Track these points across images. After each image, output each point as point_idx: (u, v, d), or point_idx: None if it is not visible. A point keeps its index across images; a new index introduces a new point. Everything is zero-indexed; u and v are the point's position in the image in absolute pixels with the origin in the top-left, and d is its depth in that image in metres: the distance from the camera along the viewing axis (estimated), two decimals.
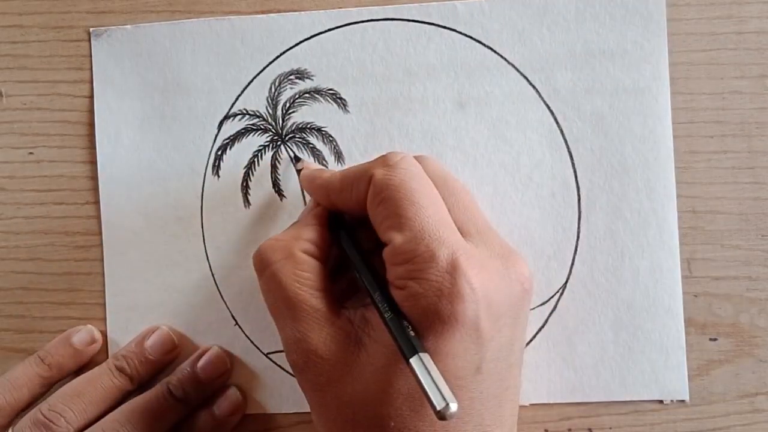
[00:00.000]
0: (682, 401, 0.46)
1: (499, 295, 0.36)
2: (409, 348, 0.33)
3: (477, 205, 0.41)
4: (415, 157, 0.40)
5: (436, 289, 0.34)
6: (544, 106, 0.47)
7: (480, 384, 0.36)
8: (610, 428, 0.46)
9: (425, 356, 0.33)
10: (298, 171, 0.47)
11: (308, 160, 0.48)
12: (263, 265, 0.40)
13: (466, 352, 0.35)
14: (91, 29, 0.50)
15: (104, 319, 0.49)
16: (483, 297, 0.35)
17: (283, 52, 0.49)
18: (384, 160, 0.39)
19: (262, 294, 0.40)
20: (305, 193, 0.48)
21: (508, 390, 0.38)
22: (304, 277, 0.39)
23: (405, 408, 0.35)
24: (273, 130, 0.49)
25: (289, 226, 0.43)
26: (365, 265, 0.39)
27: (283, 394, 0.48)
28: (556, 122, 0.47)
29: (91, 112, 0.50)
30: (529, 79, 0.47)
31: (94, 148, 0.50)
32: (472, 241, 0.38)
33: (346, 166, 0.48)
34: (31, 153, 0.50)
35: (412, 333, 0.34)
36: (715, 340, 0.46)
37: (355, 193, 0.39)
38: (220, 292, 0.49)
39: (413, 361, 0.33)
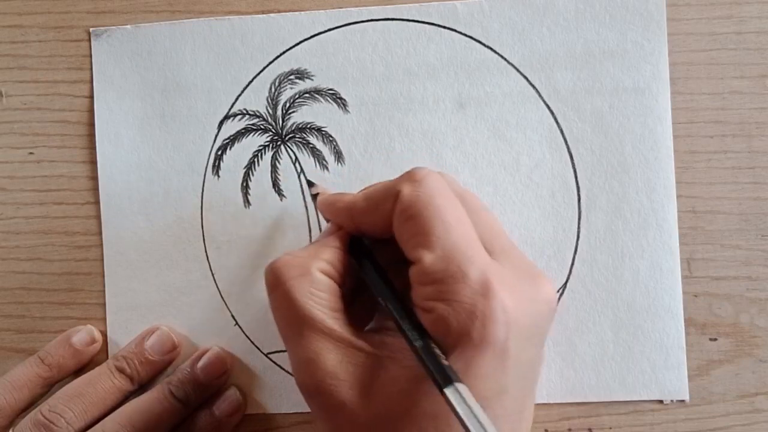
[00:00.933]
0: (682, 401, 0.46)
1: (527, 317, 0.35)
2: (443, 378, 0.32)
3: (499, 223, 0.40)
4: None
5: (469, 311, 0.33)
6: (544, 106, 0.47)
7: (504, 402, 0.35)
8: (610, 428, 0.46)
9: (462, 387, 0.32)
10: (314, 196, 0.45)
11: (322, 185, 0.47)
12: (277, 281, 0.38)
13: (494, 373, 0.34)
14: (91, 29, 0.50)
15: (104, 319, 0.49)
16: (514, 319, 0.34)
17: (283, 52, 0.49)
18: (410, 176, 0.37)
19: (273, 312, 0.38)
20: (308, 200, 0.48)
21: (527, 405, 0.37)
22: (320, 296, 0.37)
23: (430, 428, 0.34)
24: (273, 130, 0.49)
25: (307, 245, 0.41)
26: (391, 292, 0.37)
27: (283, 394, 0.48)
28: (556, 122, 0.47)
29: (91, 112, 0.50)
30: (529, 79, 0.47)
31: (94, 148, 0.50)
32: (498, 260, 0.37)
33: (346, 166, 0.48)
34: (31, 153, 0.50)
35: (445, 362, 0.33)
36: (715, 340, 0.46)
37: (381, 211, 0.38)
38: (220, 292, 0.49)
39: (449, 392, 0.31)
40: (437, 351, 0.33)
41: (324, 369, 0.36)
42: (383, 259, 0.39)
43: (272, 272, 0.38)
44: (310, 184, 0.47)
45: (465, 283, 0.34)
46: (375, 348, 0.36)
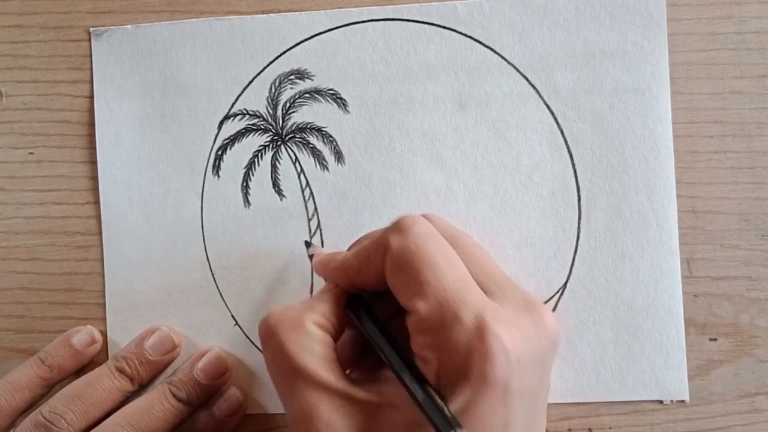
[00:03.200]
0: (682, 401, 0.46)
1: (528, 352, 0.35)
2: (445, 426, 0.32)
3: (491, 259, 0.40)
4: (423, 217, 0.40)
5: (465, 355, 0.33)
6: (545, 107, 0.47)
7: None
8: (610, 428, 0.46)
9: None
10: (310, 257, 0.45)
11: (318, 246, 0.47)
12: (269, 333, 0.37)
13: (496, 412, 0.33)
14: (91, 29, 0.50)
15: (104, 319, 0.49)
16: (515, 357, 0.33)
17: (284, 52, 0.49)
18: (396, 226, 0.37)
19: (267, 365, 0.38)
20: (308, 200, 0.48)
21: (538, 429, 0.37)
22: (314, 348, 0.36)
23: None
24: (273, 130, 0.49)
25: (302, 300, 0.41)
26: (388, 342, 0.37)
27: None
28: (557, 122, 0.47)
29: (91, 112, 0.50)
30: (530, 79, 0.47)
31: (94, 148, 0.50)
32: (495, 298, 0.36)
33: (346, 166, 0.48)
34: (31, 153, 0.50)
35: (446, 411, 0.33)
36: (715, 340, 0.46)
37: (373, 266, 0.38)
38: (220, 292, 0.49)
39: None
40: (438, 399, 0.33)
41: (320, 420, 0.35)
42: (384, 310, 0.39)
43: (265, 325, 0.38)
44: (307, 245, 0.47)
45: (460, 328, 0.34)
46: (373, 396, 0.36)
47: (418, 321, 0.35)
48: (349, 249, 0.42)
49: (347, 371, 0.38)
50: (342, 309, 0.39)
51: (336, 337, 0.39)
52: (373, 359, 0.41)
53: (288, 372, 0.36)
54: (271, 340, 0.37)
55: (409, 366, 0.35)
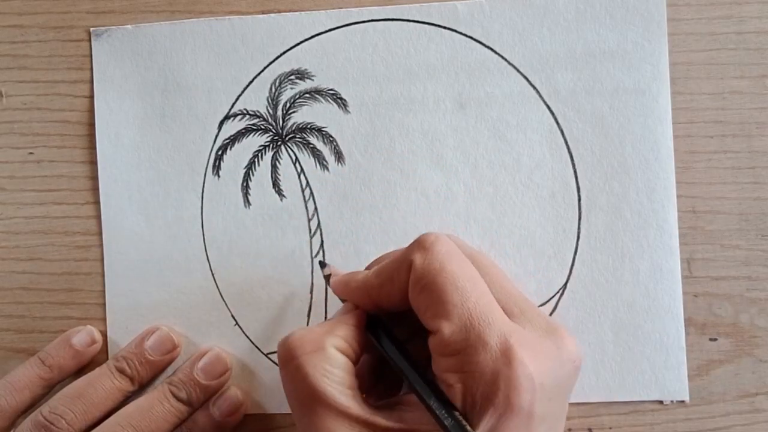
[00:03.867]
0: (682, 402, 0.46)
1: (552, 378, 0.34)
2: None
3: (511, 281, 0.39)
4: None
5: (492, 380, 0.33)
6: (545, 107, 0.47)
7: None
8: (610, 428, 0.46)
9: None
10: (326, 277, 0.45)
11: (333, 266, 0.46)
12: (289, 356, 0.36)
13: None
14: (91, 29, 0.50)
15: (104, 319, 0.49)
16: (539, 384, 0.33)
17: (284, 52, 0.49)
18: (419, 244, 0.37)
19: (284, 387, 0.37)
20: (308, 200, 0.48)
21: None
22: (334, 373, 0.36)
23: None
24: (273, 130, 0.49)
25: (322, 321, 0.41)
26: (412, 366, 0.37)
27: (283, 394, 0.48)
28: (557, 123, 0.47)
29: (91, 112, 0.50)
30: (530, 79, 0.47)
31: (94, 148, 0.50)
32: (518, 321, 0.36)
33: (346, 167, 0.48)
34: (31, 153, 0.50)
35: None
36: (715, 340, 0.46)
37: (396, 285, 0.37)
38: (220, 292, 0.49)
39: None
40: (466, 425, 0.33)
41: None
42: (403, 331, 0.39)
43: (285, 347, 0.37)
44: (322, 265, 0.46)
45: (486, 351, 0.33)
46: (395, 423, 0.35)
47: (442, 343, 0.34)
48: (368, 268, 0.42)
49: (363, 395, 0.37)
50: (362, 332, 0.39)
51: (356, 362, 0.38)
52: (388, 383, 0.41)
53: (307, 397, 0.36)
54: (290, 363, 0.36)
55: (435, 390, 0.35)
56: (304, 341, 0.37)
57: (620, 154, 0.46)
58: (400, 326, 0.39)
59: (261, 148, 0.49)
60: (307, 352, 0.36)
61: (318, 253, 0.48)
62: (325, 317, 0.48)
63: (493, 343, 0.33)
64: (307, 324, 0.48)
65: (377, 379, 0.42)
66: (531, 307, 0.38)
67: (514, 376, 0.33)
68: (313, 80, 0.48)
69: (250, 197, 0.49)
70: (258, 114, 0.49)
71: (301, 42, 0.48)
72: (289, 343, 0.37)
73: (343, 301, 0.42)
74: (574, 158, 0.47)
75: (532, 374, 0.33)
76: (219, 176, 0.49)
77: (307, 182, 0.48)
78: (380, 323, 0.39)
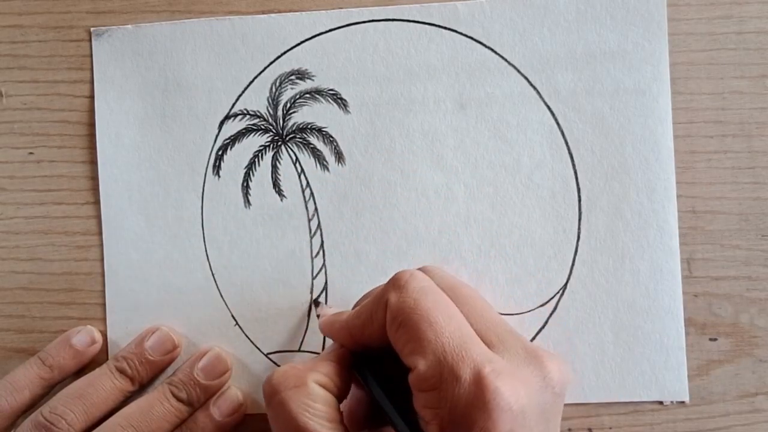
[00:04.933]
0: (682, 402, 0.46)
1: (534, 404, 0.34)
2: None
3: (492, 309, 0.39)
4: (422, 270, 0.39)
5: (466, 413, 0.33)
6: (545, 107, 0.47)
7: None
8: (610, 428, 0.46)
9: None
10: (318, 316, 0.45)
11: (326, 306, 0.47)
12: (273, 391, 0.37)
13: None
14: (91, 29, 0.50)
15: (104, 319, 0.49)
16: (518, 410, 0.33)
17: (284, 53, 0.49)
18: (394, 283, 0.37)
19: (270, 422, 0.38)
20: (308, 200, 0.48)
21: None
22: (316, 407, 0.36)
23: None
24: (273, 131, 0.49)
25: (307, 359, 0.41)
26: (392, 402, 0.37)
27: None
28: (557, 123, 0.47)
29: (91, 112, 0.50)
30: (530, 79, 0.47)
31: (94, 148, 0.50)
32: (496, 350, 0.36)
33: (346, 167, 0.48)
34: (31, 153, 0.50)
35: None
36: (715, 340, 0.46)
37: (375, 324, 0.38)
38: (220, 292, 0.49)
39: None
40: None
41: None
42: (396, 367, 0.38)
43: (269, 383, 0.38)
44: (317, 303, 0.47)
45: (459, 385, 0.33)
46: None
47: (419, 379, 0.35)
48: (355, 306, 0.42)
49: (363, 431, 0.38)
50: (346, 368, 0.39)
51: (340, 397, 0.38)
52: (381, 418, 0.41)
53: (290, 431, 0.36)
54: (274, 398, 0.37)
55: (414, 428, 0.35)
56: (287, 377, 0.37)
57: (620, 154, 0.46)
58: (392, 362, 0.39)
59: (261, 148, 0.49)
60: (290, 388, 0.37)
61: (318, 253, 0.48)
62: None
63: (466, 376, 0.33)
64: (307, 324, 0.48)
65: (376, 413, 0.42)
66: (511, 334, 0.37)
67: (490, 406, 0.32)
68: (313, 80, 0.48)
69: (250, 197, 0.49)
70: (258, 114, 0.49)
71: (302, 42, 0.48)
72: (273, 380, 0.37)
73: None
74: (575, 158, 0.47)
75: (510, 402, 0.33)
76: (219, 176, 0.49)
77: (308, 182, 0.48)
78: (366, 361, 0.40)
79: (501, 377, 0.33)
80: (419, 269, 0.40)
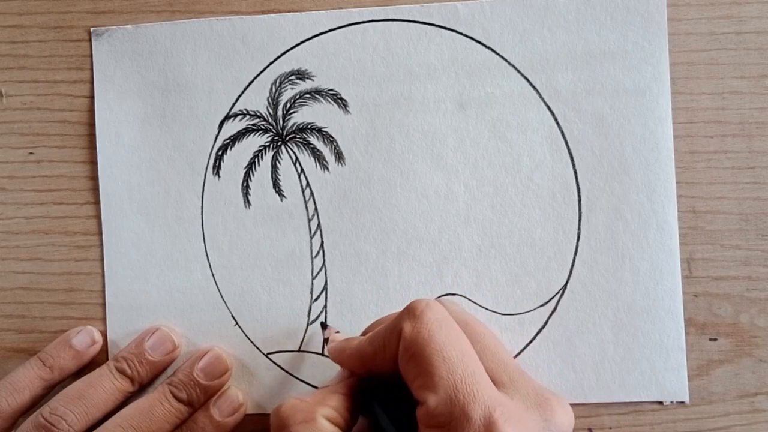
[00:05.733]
0: (682, 402, 0.46)
1: None
2: None
3: (504, 348, 0.39)
4: (438, 301, 0.39)
5: None
6: (545, 107, 0.47)
7: None
8: (610, 428, 0.46)
9: None
10: (325, 340, 0.45)
11: (334, 328, 0.47)
12: (281, 425, 0.37)
13: None
14: (91, 29, 0.50)
15: (104, 320, 0.49)
16: None
17: (284, 53, 0.49)
18: (409, 312, 0.37)
19: None
20: (308, 200, 0.48)
21: None
22: None
23: None
24: (273, 131, 0.49)
25: (317, 389, 0.40)
26: None
27: (283, 394, 0.48)
28: (557, 123, 0.47)
29: (91, 112, 0.50)
30: (530, 80, 0.47)
31: (94, 148, 0.50)
32: (506, 391, 0.36)
33: (346, 167, 0.48)
34: (31, 153, 0.50)
35: None
36: (715, 340, 0.46)
37: (388, 352, 0.37)
38: (220, 292, 0.49)
39: None
40: None
41: None
42: (402, 396, 0.38)
43: (278, 416, 0.37)
44: (323, 326, 0.47)
45: (469, 426, 0.33)
46: None
47: (428, 415, 0.34)
48: (364, 333, 0.42)
49: None
50: (354, 402, 0.39)
51: (348, 431, 0.38)
52: None
53: None
54: None
55: None
56: (296, 411, 0.37)
57: (620, 154, 0.46)
58: (399, 390, 0.38)
59: (261, 148, 0.49)
60: (298, 422, 0.36)
61: (318, 253, 0.48)
62: (325, 318, 0.48)
63: (477, 417, 0.33)
64: (307, 324, 0.48)
65: None
66: (522, 376, 0.37)
67: None
68: (313, 80, 0.48)
69: (250, 197, 0.49)
70: (258, 114, 0.49)
71: (302, 42, 0.48)
72: (281, 413, 0.37)
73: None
74: (575, 158, 0.47)
75: None
76: (219, 176, 0.49)
77: (308, 182, 0.48)
78: (374, 392, 0.39)
79: (510, 422, 0.33)
80: (435, 300, 0.39)
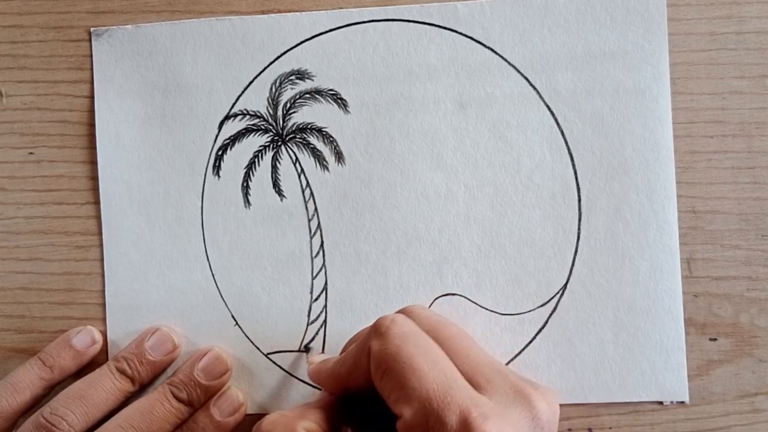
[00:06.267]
0: (682, 402, 0.46)
1: None
2: None
3: (478, 347, 0.39)
4: (403, 312, 0.39)
5: None
6: (545, 107, 0.47)
7: None
8: (610, 428, 0.46)
9: None
10: (309, 364, 0.45)
11: (317, 350, 0.47)
12: None
13: None
14: (91, 29, 0.50)
15: (104, 320, 0.49)
16: None
17: (284, 53, 0.49)
18: (376, 329, 0.37)
19: None
20: (308, 200, 0.48)
21: None
22: None
23: None
24: (273, 131, 0.49)
25: (299, 406, 0.40)
26: None
27: (283, 394, 0.48)
28: (557, 123, 0.47)
29: (91, 112, 0.50)
30: (530, 80, 0.47)
31: (94, 148, 0.50)
32: (484, 391, 0.35)
33: (346, 167, 0.48)
34: (31, 153, 0.50)
35: None
36: (715, 340, 0.46)
37: (361, 371, 0.37)
38: (220, 292, 0.49)
39: None
40: None
41: None
42: (383, 412, 0.38)
43: (259, 430, 0.37)
44: (307, 349, 0.47)
45: (446, 430, 0.33)
46: None
47: (406, 427, 0.34)
48: (343, 351, 0.42)
49: None
50: (334, 416, 0.39)
51: None
52: None
53: None
54: None
55: None
56: (277, 424, 0.37)
57: (620, 154, 0.46)
58: (379, 406, 0.38)
59: (261, 148, 0.49)
60: None
61: (318, 253, 0.48)
62: (325, 318, 0.48)
63: (453, 422, 0.33)
64: (307, 324, 0.48)
65: None
66: (498, 374, 0.37)
67: None
68: (313, 80, 0.48)
69: (250, 197, 0.49)
70: (258, 114, 0.49)
71: (302, 42, 0.48)
72: (262, 427, 0.37)
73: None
74: (575, 159, 0.47)
75: None
76: (219, 176, 0.49)
77: (308, 182, 0.48)
78: (353, 407, 0.39)
79: (488, 421, 0.32)
80: (401, 311, 0.39)
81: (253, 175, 0.49)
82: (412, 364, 0.35)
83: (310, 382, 0.48)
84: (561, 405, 0.45)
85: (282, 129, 0.49)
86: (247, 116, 0.49)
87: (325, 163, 0.48)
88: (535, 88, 0.47)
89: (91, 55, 0.50)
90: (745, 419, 0.46)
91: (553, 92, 0.47)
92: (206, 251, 0.49)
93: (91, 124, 0.50)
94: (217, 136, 0.49)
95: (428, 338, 0.37)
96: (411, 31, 0.48)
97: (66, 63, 0.50)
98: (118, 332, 0.49)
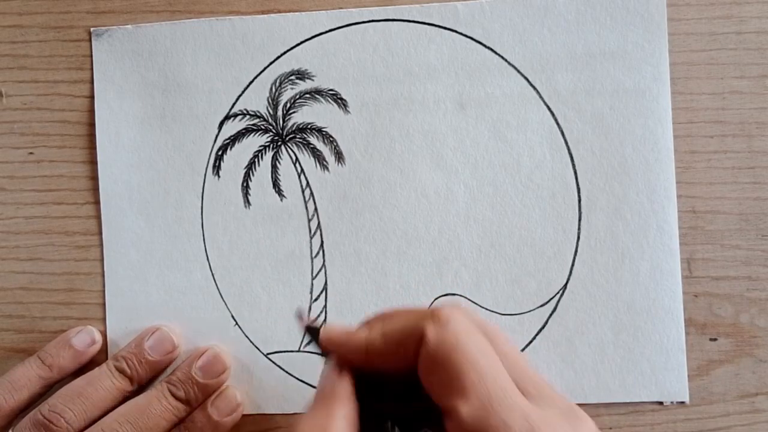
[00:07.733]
0: (682, 402, 0.46)
1: None
2: None
3: (525, 358, 0.38)
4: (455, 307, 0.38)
5: None
6: (545, 107, 0.47)
7: None
8: (610, 428, 0.46)
9: None
10: (308, 328, 0.41)
11: (312, 317, 0.47)
12: None
13: None
14: (91, 29, 0.50)
15: (104, 319, 0.49)
16: None
17: (284, 53, 0.49)
18: (434, 316, 0.35)
19: None
20: (308, 200, 0.48)
21: None
22: None
23: None
24: (273, 131, 0.49)
25: (315, 398, 0.38)
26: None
27: (283, 394, 0.48)
28: (557, 123, 0.47)
29: (91, 112, 0.50)
30: (530, 80, 0.47)
31: (94, 148, 0.50)
32: (535, 402, 0.34)
33: (346, 167, 0.48)
34: (31, 153, 0.50)
35: None
36: (715, 340, 0.46)
37: (404, 352, 0.35)
38: (220, 292, 0.49)
39: None
40: None
41: None
42: (393, 392, 0.37)
43: None
44: (300, 316, 0.47)
45: None
46: None
47: (459, 424, 0.33)
48: (366, 325, 0.39)
49: None
50: (356, 402, 0.37)
51: None
52: None
53: None
54: None
55: None
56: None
57: (620, 154, 0.46)
58: (391, 388, 0.37)
59: (261, 148, 0.49)
60: None
61: (318, 253, 0.48)
62: (325, 318, 0.48)
63: (518, 428, 0.32)
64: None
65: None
66: (547, 386, 0.36)
67: None
68: (313, 80, 0.48)
69: (250, 197, 0.49)
70: (258, 114, 0.49)
71: (302, 42, 0.48)
72: None
73: (323, 354, 0.39)
74: (575, 159, 0.47)
75: None
76: (219, 176, 0.49)
77: (307, 182, 0.48)
78: (368, 388, 0.38)
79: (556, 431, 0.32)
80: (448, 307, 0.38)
81: (253, 175, 0.49)
82: (472, 359, 0.34)
83: (310, 383, 0.48)
84: None
85: (282, 129, 0.49)
86: (247, 116, 0.49)
87: (325, 163, 0.48)
88: (535, 88, 0.47)
89: (91, 55, 0.50)
90: (745, 419, 0.46)
91: (553, 92, 0.47)
92: (206, 251, 0.49)
93: (91, 124, 0.50)
94: (217, 136, 0.49)
95: (485, 339, 0.35)
96: (411, 31, 0.48)
97: (66, 63, 0.50)
98: (117, 332, 0.49)
